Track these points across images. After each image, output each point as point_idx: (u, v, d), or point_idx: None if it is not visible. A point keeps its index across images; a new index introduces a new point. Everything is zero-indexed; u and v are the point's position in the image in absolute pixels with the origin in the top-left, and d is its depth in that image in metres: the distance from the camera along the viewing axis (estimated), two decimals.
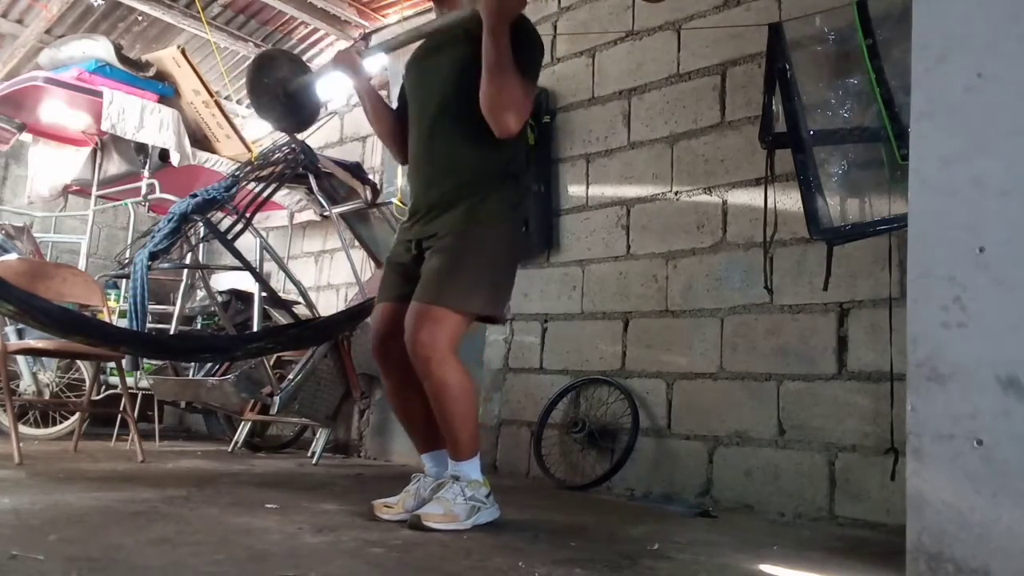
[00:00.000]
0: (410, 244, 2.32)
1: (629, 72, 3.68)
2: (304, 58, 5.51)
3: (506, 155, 2.27)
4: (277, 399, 3.67)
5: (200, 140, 4.87)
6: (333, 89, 5.30)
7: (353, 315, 3.77)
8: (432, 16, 2.45)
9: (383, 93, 4.96)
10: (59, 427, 4.24)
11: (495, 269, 2.25)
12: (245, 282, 4.43)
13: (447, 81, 2.27)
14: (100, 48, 4.62)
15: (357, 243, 4.55)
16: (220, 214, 4.15)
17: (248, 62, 2.67)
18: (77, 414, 4.03)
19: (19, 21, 5.06)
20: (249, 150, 4.76)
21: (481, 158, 2.23)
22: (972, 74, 1.35)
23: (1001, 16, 1.34)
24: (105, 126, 4.43)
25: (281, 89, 2.65)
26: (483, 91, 2.13)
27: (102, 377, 4.30)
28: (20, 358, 4.10)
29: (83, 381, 4.31)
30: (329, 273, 5.19)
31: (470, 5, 2.21)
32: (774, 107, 2.78)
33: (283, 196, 4.59)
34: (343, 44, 5.29)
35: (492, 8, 2.06)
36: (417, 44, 2.46)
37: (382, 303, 2.36)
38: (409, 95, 2.42)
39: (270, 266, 4.44)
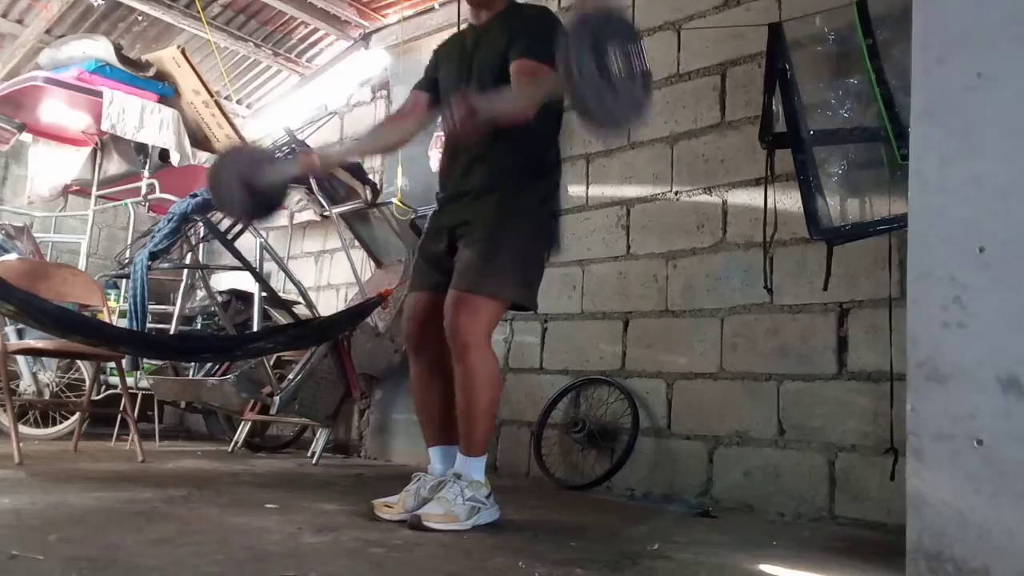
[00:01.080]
0: (442, 232, 2.36)
1: None
2: (304, 58, 5.53)
3: (540, 149, 2.33)
4: (277, 399, 3.66)
5: (200, 140, 4.87)
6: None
7: (353, 315, 3.77)
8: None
9: (382, 93, 4.98)
10: (59, 427, 4.24)
11: (528, 258, 2.31)
12: (245, 282, 4.43)
13: (485, 72, 2.29)
14: (100, 48, 4.62)
15: (357, 243, 4.56)
16: (220, 214, 4.15)
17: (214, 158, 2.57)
18: (77, 414, 4.03)
19: (19, 21, 5.06)
20: None
21: (516, 150, 2.26)
22: (972, 74, 1.35)
23: (1001, 16, 1.34)
24: (105, 126, 4.43)
25: (240, 181, 2.37)
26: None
27: (102, 377, 4.29)
28: (20, 358, 4.10)
29: (83, 381, 4.30)
30: (329, 273, 5.19)
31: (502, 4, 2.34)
32: (774, 107, 2.77)
33: None
34: (343, 44, 5.29)
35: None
36: (448, 34, 2.46)
37: (416, 292, 2.41)
38: (445, 85, 2.42)
39: (270, 266, 4.44)
